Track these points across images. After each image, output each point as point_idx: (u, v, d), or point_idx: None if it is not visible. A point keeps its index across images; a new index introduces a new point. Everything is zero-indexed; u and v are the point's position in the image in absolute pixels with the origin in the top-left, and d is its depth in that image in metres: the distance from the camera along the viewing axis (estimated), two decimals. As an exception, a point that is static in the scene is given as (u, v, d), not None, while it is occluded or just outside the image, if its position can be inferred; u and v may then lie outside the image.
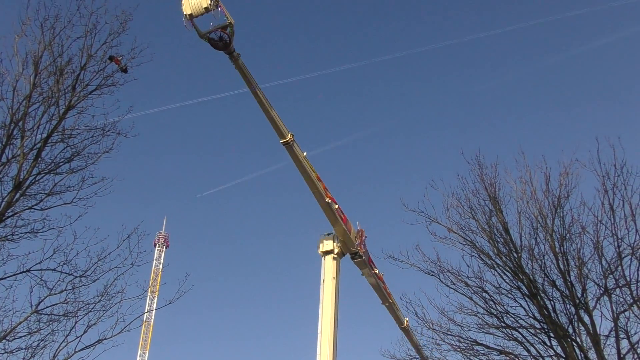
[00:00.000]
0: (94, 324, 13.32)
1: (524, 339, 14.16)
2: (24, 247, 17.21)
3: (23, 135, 13.52)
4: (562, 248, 13.96)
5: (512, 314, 14.44)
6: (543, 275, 14.16)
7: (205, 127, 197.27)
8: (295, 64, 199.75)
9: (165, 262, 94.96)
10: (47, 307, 13.11)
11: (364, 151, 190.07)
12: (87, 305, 13.41)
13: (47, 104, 13.87)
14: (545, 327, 13.91)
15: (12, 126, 13.34)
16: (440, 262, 15.53)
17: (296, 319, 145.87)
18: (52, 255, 13.17)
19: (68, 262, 13.29)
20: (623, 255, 13.17)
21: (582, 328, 13.52)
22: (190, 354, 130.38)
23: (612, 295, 13.27)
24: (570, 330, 13.66)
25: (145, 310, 67.42)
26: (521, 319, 14.31)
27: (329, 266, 31.14)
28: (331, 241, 31.50)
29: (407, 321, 33.48)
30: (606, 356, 13.17)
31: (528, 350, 14.12)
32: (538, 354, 13.98)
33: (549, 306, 13.98)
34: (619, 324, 13.04)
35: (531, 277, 14.27)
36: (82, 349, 12.93)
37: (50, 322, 13.13)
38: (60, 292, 13.22)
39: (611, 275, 13.34)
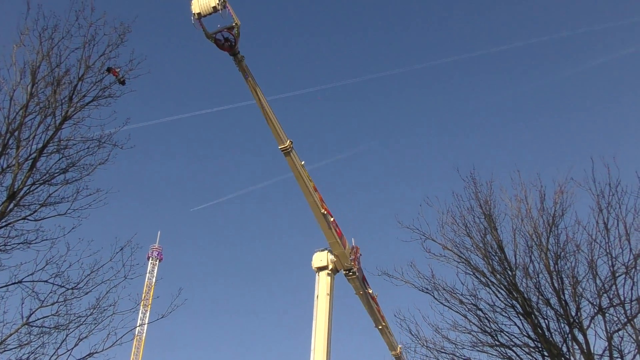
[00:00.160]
0: (85, 337, 13.17)
1: (517, 358, 14.08)
2: (16, 258, 17.12)
3: (18, 145, 13.49)
4: (556, 266, 13.95)
5: (506, 332, 14.38)
6: (537, 294, 14.13)
7: (201, 141, 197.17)
8: (293, 79, 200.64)
9: (158, 275, 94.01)
10: (38, 319, 12.99)
11: (359, 167, 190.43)
12: (78, 318, 13.30)
13: (44, 114, 13.88)
14: (540, 345, 13.85)
15: (8, 136, 13.32)
16: (434, 280, 15.49)
17: (290, 333, 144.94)
18: (44, 267, 13.12)
19: (60, 274, 13.24)
20: (617, 274, 13.16)
21: (576, 347, 13.46)
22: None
23: (606, 314, 13.24)
24: (564, 349, 13.60)
25: (138, 324, 66.89)
26: (515, 337, 14.25)
27: (323, 282, 31.08)
28: (325, 257, 31.45)
29: (400, 348, 32.92)
30: (600, 375, 13.12)
31: (522, 369, 14.03)
32: (532, 373, 13.90)
33: (543, 325, 13.93)
34: (613, 343, 13.00)
35: (525, 295, 14.24)
36: (73, 362, 12.75)
37: (41, 335, 12.98)
38: (52, 304, 13.11)
39: (605, 294, 13.32)
